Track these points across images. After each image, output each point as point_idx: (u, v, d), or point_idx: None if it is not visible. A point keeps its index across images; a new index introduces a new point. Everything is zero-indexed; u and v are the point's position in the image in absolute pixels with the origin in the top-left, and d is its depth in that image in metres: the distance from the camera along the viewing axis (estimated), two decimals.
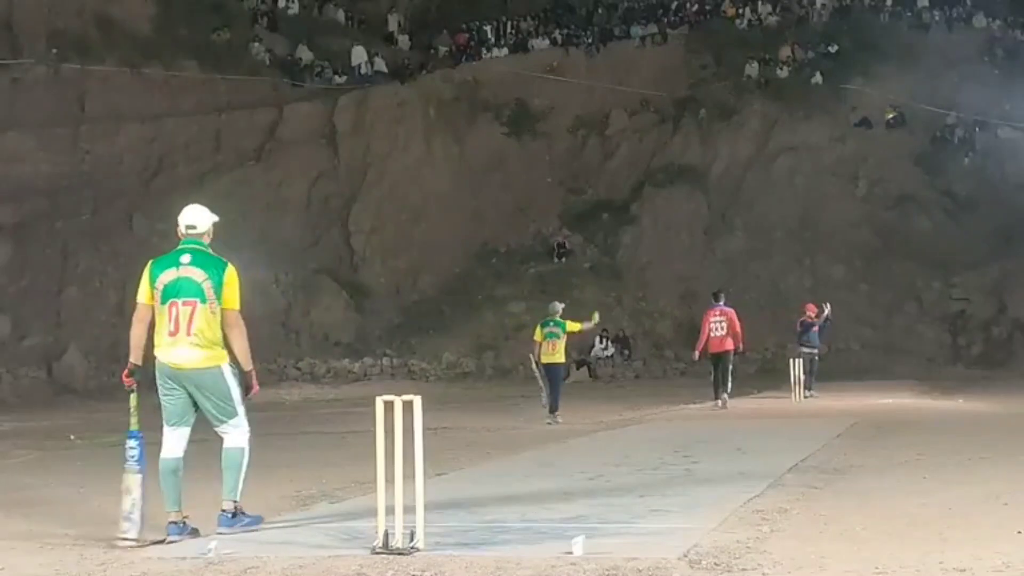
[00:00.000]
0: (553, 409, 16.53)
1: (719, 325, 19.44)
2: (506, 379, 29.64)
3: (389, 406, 6.34)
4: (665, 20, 40.62)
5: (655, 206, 35.83)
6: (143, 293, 7.13)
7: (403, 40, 40.83)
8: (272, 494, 9.16)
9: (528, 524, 7.27)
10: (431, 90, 37.78)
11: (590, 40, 39.93)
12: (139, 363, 7.17)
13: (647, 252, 35.07)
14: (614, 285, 34.80)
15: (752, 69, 38.25)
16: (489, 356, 31.44)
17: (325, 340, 32.83)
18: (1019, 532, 6.60)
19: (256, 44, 37.58)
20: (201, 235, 7.12)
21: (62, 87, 33.48)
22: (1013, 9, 39.00)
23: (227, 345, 7.09)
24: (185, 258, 7.02)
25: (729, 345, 19.28)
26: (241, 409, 7.13)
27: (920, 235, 34.04)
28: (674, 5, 41.20)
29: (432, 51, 40.13)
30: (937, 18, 38.92)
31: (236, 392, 7.10)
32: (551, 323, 16.65)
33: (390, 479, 6.23)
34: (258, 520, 7.30)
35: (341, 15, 41.08)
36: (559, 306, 17.03)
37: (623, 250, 35.54)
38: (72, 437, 15.82)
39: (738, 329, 19.52)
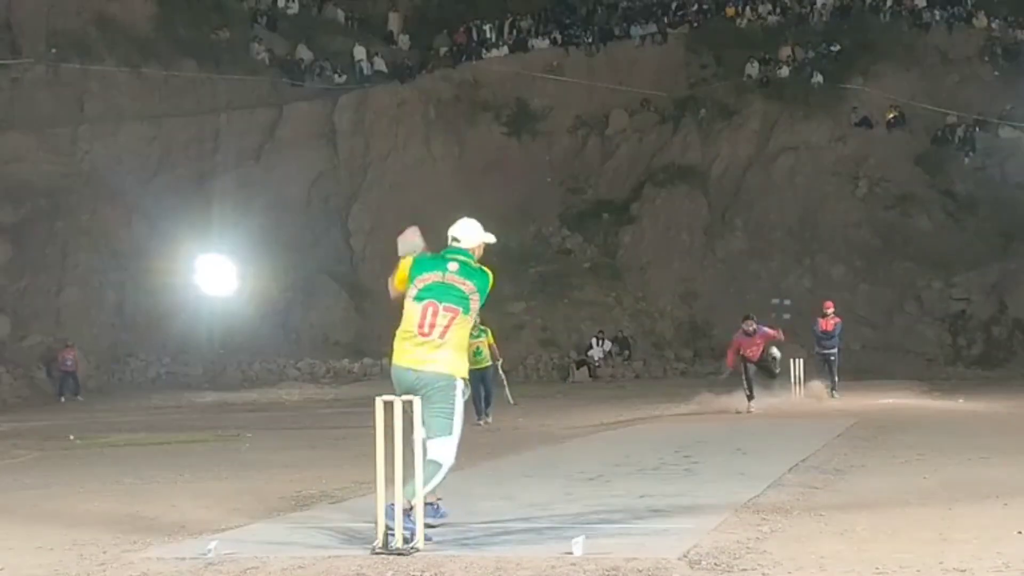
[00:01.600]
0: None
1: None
2: (506, 379, 29.58)
3: (389, 406, 6.33)
4: (665, 20, 40.60)
5: (655, 206, 35.82)
6: (399, 279, 6.92)
7: (403, 40, 40.82)
8: (272, 494, 9.17)
9: (528, 524, 7.27)
10: (431, 90, 37.77)
11: (590, 40, 39.91)
12: None
13: (647, 252, 35.07)
14: (614, 285, 34.81)
15: (752, 69, 38.26)
16: None
17: (325, 340, 32.84)
18: (1019, 532, 6.59)
19: (256, 44, 37.57)
20: (467, 249, 6.92)
21: (62, 87, 33.49)
22: (1013, 9, 39.00)
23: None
24: (452, 266, 6.81)
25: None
26: (458, 431, 6.61)
27: (920, 235, 34.05)
28: (674, 5, 41.18)
29: (432, 51, 40.11)
30: (937, 18, 38.91)
31: (460, 415, 6.64)
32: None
33: (390, 479, 6.23)
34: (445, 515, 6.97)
35: (341, 15, 41.07)
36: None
37: (623, 250, 35.54)
38: (72, 437, 15.83)
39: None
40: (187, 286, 30.67)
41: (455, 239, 6.96)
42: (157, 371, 30.89)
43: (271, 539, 6.90)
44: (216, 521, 7.76)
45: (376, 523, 6.32)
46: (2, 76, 33.23)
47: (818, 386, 20.77)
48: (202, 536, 7.07)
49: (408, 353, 6.68)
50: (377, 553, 6.19)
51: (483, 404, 17.05)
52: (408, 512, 6.28)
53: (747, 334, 18.52)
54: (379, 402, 6.32)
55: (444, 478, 6.59)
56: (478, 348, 16.54)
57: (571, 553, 6.00)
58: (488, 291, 6.84)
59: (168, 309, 31.24)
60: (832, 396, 20.71)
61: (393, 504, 6.26)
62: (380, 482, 6.28)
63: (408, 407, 6.41)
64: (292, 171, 34.85)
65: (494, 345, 17.29)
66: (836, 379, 21.26)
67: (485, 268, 6.88)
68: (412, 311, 6.72)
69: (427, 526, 6.48)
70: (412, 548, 6.20)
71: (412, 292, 6.76)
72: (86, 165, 32.81)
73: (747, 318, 18.99)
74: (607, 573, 5.63)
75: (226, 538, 6.85)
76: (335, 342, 32.85)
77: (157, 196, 32.13)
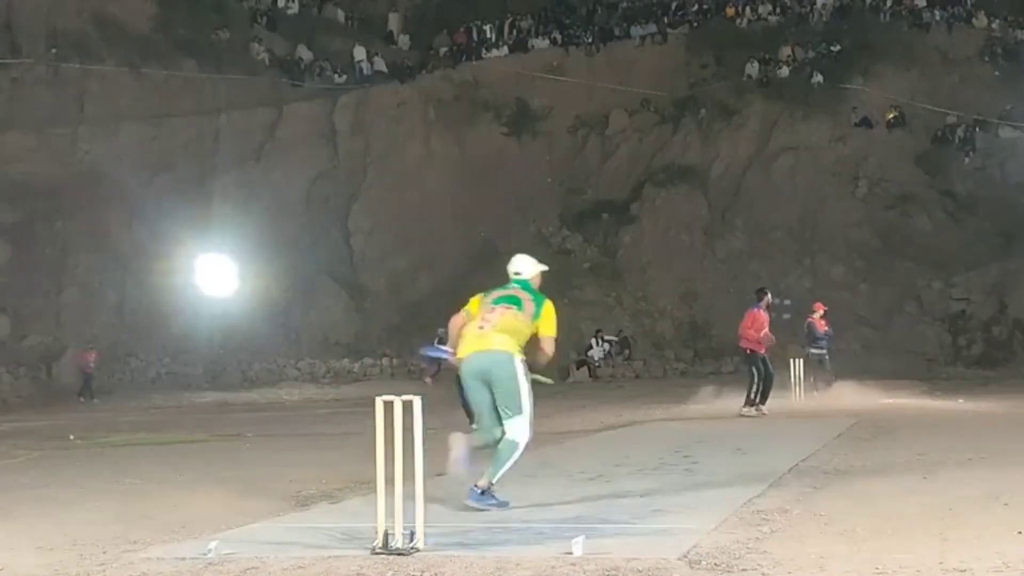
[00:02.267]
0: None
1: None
2: None
3: (389, 406, 6.33)
4: (665, 20, 40.59)
5: (655, 206, 35.83)
6: (471, 304, 8.28)
7: (403, 40, 40.82)
8: (272, 494, 9.17)
9: (528, 524, 7.27)
10: (431, 90, 37.78)
11: (590, 40, 39.91)
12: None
13: (647, 252, 35.08)
14: (614, 285, 34.81)
15: (752, 69, 38.26)
16: None
17: (325, 340, 32.86)
18: (1019, 532, 6.59)
19: (256, 44, 37.57)
20: (527, 279, 8.34)
21: (62, 87, 33.49)
22: (1013, 9, 39.00)
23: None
24: (514, 286, 8.28)
25: (744, 344, 17.69)
26: (528, 410, 7.87)
27: (920, 235, 34.05)
28: (674, 5, 41.18)
29: (432, 51, 40.12)
30: (937, 18, 38.90)
31: (526, 391, 7.87)
32: None
33: (390, 479, 6.23)
34: (505, 505, 7.85)
35: (341, 15, 41.08)
36: None
37: (623, 250, 35.54)
38: (72, 437, 15.83)
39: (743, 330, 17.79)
40: (187, 286, 30.69)
41: (516, 272, 8.38)
42: (157, 371, 30.91)
43: (271, 539, 6.91)
44: (216, 521, 7.76)
45: (376, 523, 6.33)
46: (2, 76, 33.24)
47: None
48: (202, 536, 7.08)
49: (470, 344, 8.00)
50: (377, 553, 6.19)
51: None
52: (485, 492, 7.72)
53: (766, 309, 17.47)
54: (379, 402, 6.33)
55: (521, 455, 7.86)
56: None
57: (571, 553, 6.00)
58: (545, 313, 8.08)
59: (168, 309, 31.26)
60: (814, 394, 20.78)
61: (477, 488, 7.69)
62: (380, 482, 6.29)
63: (408, 407, 6.41)
64: (292, 171, 34.86)
65: None
66: (834, 377, 21.37)
67: (544, 295, 8.28)
68: (480, 315, 8.12)
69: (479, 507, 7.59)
70: (412, 548, 6.21)
71: (487, 304, 8.17)
72: (86, 165, 32.81)
73: (764, 291, 17.97)
74: (607, 573, 5.63)
75: (226, 538, 6.85)
76: (335, 342, 32.87)
77: (157, 196, 32.14)
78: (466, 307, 8.30)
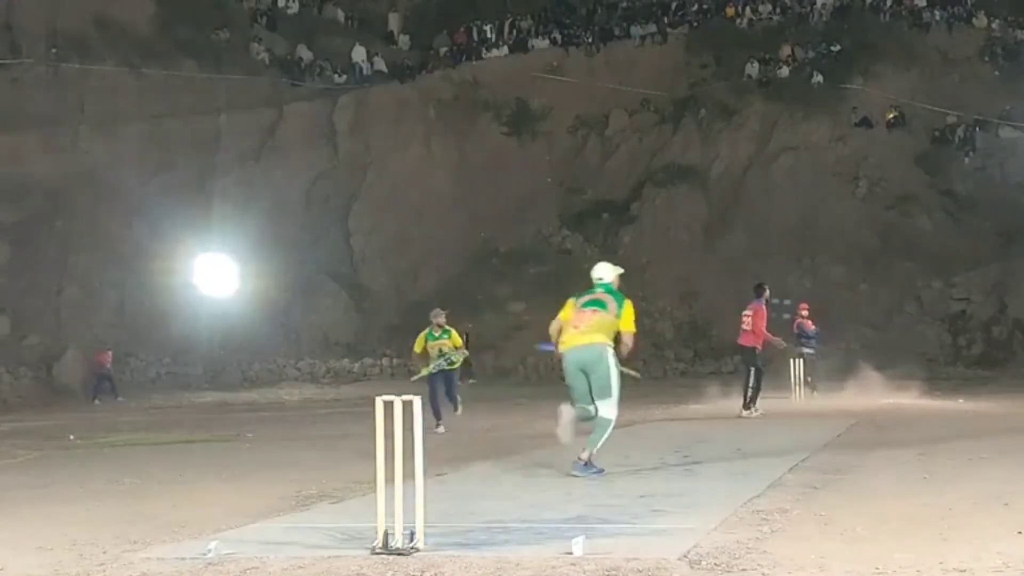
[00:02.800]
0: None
1: (745, 319, 17.29)
2: (506, 379, 29.65)
3: (389, 406, 6.34)
4: (665, 20, 40.59)
5: (655, 206, 35.82)
6: (564, 311, 9.92)
7: (403, 40, 40.82)
8: (272, 494, 9.17)
9: (528, 524, 7.27)
10: (431, 90, 37.77)
11: (590, 40, 39.91)
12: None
13: (647, 252, 35.05)
14: None
15: (752, 69, 38.25)
16: (489, 356, 31.44)
17: (325, 340, 32.84)
18: (1019, 532, 6.59)
19: (256, 44, 37.57)
20: (608, 283, 9.97)
21: (62, 87, 33.49)
22: (1013, 9, 39.00)
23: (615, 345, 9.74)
24: (599, 290, 9.90)
25: (751, 341, 17.15)
26: (616, 394, 9.59)
27: (920, 235, 34.03)
28: (674, 5, 41.17)
29: (432, 51, 40.12)
30: (937, 18, 38.90)
31: (615, 379, 9.57)
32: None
33: (390, 479, 6.23)
34: (602, 472, 9.51)
35: (341, 15, 41.08)
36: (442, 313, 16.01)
37: (623, 250, 35.48)
38: (72, 437, 15.83)
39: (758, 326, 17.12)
40: (187, 286, 30.68)
41: (599, 278, 9.98)
42: (157, 371, 30.90)
43: (271, 539, 6.91)
44: (216, 521, 7.76)
45: (376, 523, 6.33)
46: (2, 76, 33.23)
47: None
48: (202, 536, 7.08)
49: (570, 340, 9.64)
50: (377, 553, 6.19)
51: (449, 405, 15.58)
52: (587, 463, 9.48)
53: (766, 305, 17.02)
54: (379, 402, 6.33)
55: (612, 430, 9.66)
56: (440, 349, 15.40)
57: (571, 553, 6.00)
58: (626, 310, 9.68)
59: (168, 309, 31.25)
60: (813, 395, 20.82)
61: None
62: (380, 482, 6.29)
63: (408, 407, 6.41)
64: (292, 171, 34.86)
65: (461, 348, 15.85)
66: (816, 380, 21.54)
67: (623, 294, 9.90)
68: (574, 316, 9.73)
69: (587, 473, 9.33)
70: (412, 548, 6.21)
71: (576, 308, 9.76)
72: (86, 165, 32.79)
73: (763, 286, 17.45)
74: (607, 573, 5.63)
75: (226, 538, 6.85)
76: (335, 342, 32.85)
77: (157, 196, 32.13)
78: (560, 313, 9.87)
